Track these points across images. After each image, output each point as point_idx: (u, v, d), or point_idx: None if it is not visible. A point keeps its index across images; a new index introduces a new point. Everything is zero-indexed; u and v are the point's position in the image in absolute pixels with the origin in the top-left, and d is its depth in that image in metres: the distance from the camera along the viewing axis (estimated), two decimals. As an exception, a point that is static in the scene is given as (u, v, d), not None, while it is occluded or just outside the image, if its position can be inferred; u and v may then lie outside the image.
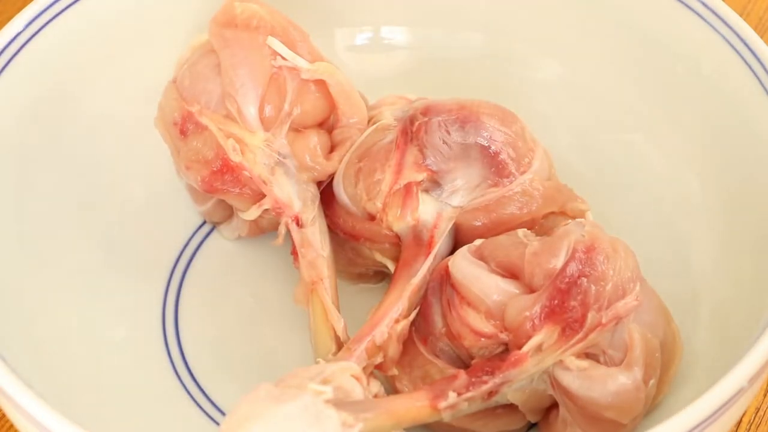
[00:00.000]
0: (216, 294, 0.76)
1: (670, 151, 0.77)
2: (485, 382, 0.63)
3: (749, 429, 0.73)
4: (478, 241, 0.68)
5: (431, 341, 0.67)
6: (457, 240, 0.71)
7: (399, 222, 0.70)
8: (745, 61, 0.72)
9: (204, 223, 0.78)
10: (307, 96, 0.72)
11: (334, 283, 0.71)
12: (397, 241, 0.71)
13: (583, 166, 0.79)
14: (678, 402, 0.64)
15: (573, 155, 0.79)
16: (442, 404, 0.63)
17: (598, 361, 0.64)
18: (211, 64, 0.72)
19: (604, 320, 0.63)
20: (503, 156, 0.70)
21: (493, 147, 0.70)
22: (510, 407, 0.66)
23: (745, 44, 0.72)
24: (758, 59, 0.71)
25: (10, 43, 0.73)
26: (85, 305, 0.73)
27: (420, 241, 0.70)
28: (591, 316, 0.63)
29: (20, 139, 0.73)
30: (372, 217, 0.71)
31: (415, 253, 0.69)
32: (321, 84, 0.72)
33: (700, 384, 0.60)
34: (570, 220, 0.69)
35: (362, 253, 0.73)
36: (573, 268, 0.63)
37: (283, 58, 0.71)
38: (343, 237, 0.73)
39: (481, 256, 0.66)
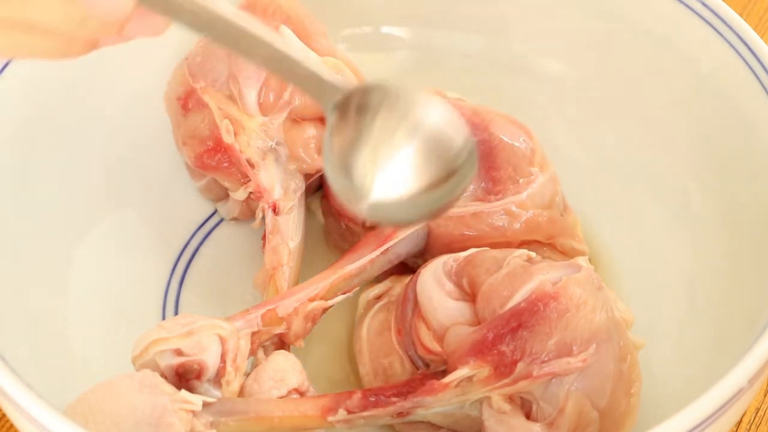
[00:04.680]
0: (218, 285, 0.76)
1: (669, 150, 0.77)
2: (391, 404, 0.62)
3: (749, 429, 0.73)
4: (471, 251, 0.66)
5: (404, 333, 0.67)
6: (429, 243, 0.70)
7: None
8: (745, 61, 0.72)
9: (213, 213, 0.78)
10: None
11: (295, 274, 0.71)
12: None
13: (582, 165, 0.79)
14: (677, 403, 0.64)
15: (572, 154, 0.79)
16: (332, 418, 0.62)
17: (530, 409, 0.62)
18: None
19: (535, 373, 0.60)
20: (499, 172, 0.69)
21: (490, 160, 0.69)
22: None
23: (745, 44, 0.72)
24: (758, 59, 0.71)
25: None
26: (85, 305, 0.73)
27: (380, 232, 0.69)
28: (521, 366, 0.61)
29: (26, 131, 0.73)
30: None
31: (368, 242, 0.69)
32: None
33: (700, 384, 0.60)
34: (561, 257, 0.68)
35: (353, 231, 0.74)
36: (518, 315, 0.61)
37: None
38: (335, 212, 0.73)
39: (458, 269, 0.65)
